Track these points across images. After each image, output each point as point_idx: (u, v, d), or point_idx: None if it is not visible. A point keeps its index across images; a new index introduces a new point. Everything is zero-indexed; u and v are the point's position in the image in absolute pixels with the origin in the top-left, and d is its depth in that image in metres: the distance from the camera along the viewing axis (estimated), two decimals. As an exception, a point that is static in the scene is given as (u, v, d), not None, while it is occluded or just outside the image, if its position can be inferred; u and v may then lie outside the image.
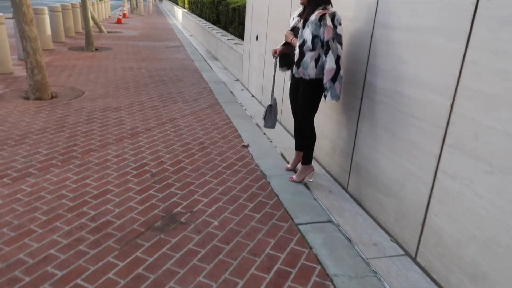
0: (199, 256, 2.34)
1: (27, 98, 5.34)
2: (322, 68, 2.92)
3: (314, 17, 2.86)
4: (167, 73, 7.64)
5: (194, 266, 2.25)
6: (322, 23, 2.82)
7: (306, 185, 3.29)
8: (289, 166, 3.58)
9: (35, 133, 4.09)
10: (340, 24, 2.88)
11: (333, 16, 2.83)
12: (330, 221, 2.78)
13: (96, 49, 9.90)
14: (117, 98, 5.64)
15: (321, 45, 2.87)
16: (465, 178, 1.99)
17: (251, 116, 5.14)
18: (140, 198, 2.94)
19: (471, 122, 1.96)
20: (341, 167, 3.30)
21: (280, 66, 3.39)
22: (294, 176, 3.35)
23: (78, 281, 2.08)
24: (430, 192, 2.24)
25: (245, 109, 5.46)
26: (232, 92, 6.39)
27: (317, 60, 2.92)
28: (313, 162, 3.49)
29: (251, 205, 2.95)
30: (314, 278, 2.20)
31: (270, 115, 3.44)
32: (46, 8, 9.38)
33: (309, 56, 2.92)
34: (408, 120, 2.42)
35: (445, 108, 2.12)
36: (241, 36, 7.93)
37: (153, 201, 2.92)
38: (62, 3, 12.45)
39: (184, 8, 19.44)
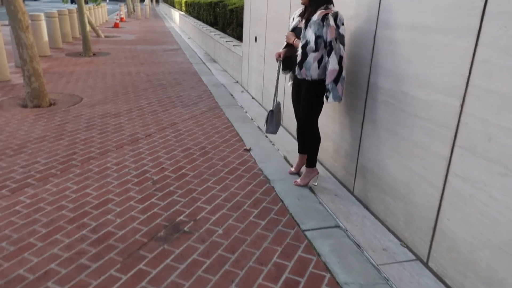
0: (204, 267, 2.26)
1: (25, 106, 5.28)
2: (325, 69, 2.85)
3: (316, 17, 2.79)
4: (166, 77, 7.57)
5: (200, 277, 2.18)
6: (325, 23, 2.75)
7: (311, 188, 3.22)
8: (292, 169, 3.51)
9: (34, 142, 4.02)
10: (342, 24, 2.81)
11: (335, 15, 2.76)
12: (338, 226, 2.71)
13: (94, 54, 9.84)
14: (116, 104, 5.57)
15: (324, 46, 2.81)
16: (478, 181, 1.92)
17: (252, 119, 5.07)
18: (142, 207, 2.87)
19: (483, 123, 1.89)
20: (346, 170, 3.23)
21: (283, 69, 3.31)
22: (299, 180, 3.28)
23: (80, 296, 2.01)
24: (441, 195, 2.17)
25: (246, 112, 5.39)
26: (232, 95, 6.32)
27: (320, 61, 2.85)
28: (317, 165, 3.42)
29: (256, 211, 2.88)
30: (324, 287, 2.13)
31: (272, 121, 3.32)
32: (42, 14, 9.32)
33: (312, 57, 2.85)
34: (415, 122, 2.35)
35: (454, 109, 2.05)
36: (239, 37, 7.86)
37: (155, 209, 2.85)
38: (58, 8, 12.39)
39: (181, 10, 19.37)
